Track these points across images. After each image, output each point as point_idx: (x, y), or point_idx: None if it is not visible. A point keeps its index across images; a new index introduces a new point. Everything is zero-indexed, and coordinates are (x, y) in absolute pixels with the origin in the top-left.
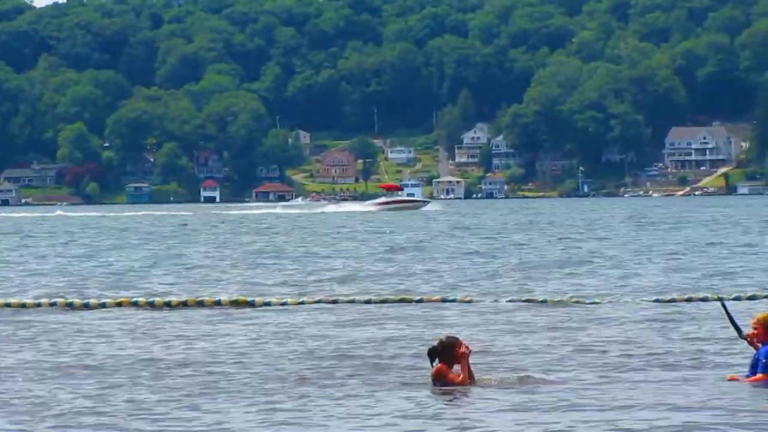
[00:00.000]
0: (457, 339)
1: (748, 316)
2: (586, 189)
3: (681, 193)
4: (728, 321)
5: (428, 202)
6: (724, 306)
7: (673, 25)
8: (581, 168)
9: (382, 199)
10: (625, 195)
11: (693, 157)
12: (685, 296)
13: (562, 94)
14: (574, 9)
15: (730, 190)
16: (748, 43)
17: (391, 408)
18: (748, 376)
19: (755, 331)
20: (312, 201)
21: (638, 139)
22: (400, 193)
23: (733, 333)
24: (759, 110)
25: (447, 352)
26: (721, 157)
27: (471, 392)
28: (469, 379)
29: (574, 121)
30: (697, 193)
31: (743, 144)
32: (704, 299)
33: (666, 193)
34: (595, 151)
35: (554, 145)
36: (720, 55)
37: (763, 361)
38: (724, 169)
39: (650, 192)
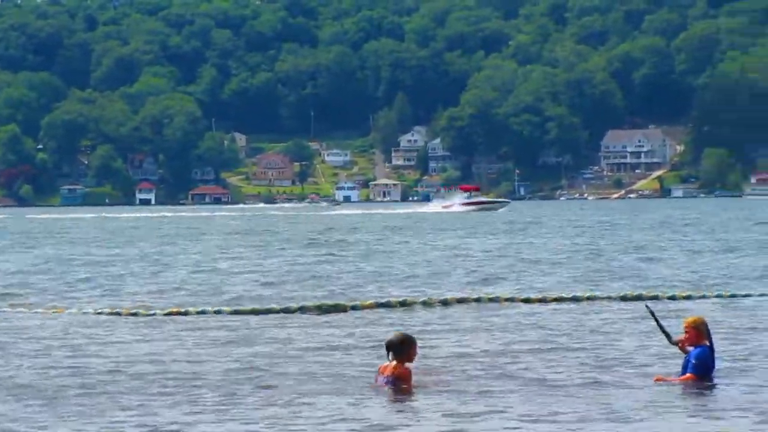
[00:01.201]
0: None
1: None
2: (522, 192)
3: (616, 195)
4: (657, 327)
5: (508, 202)
6: (651, 313)
7: (609, 28)
8: (517, 171)
9: (465, 200)
10: (561, 198)
11: (629, 160)
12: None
13: (499, 97)
14: (510, 12)
15: (664, 192)
16: (684, 47)
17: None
18: (678, 376)
19: (687, 335)
20: (312, 203)
21: (574, 142)
22: (476, 193)
23: (664, 340)
24: (694, 113)
25: (405, 348)
26: (656, 160)
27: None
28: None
29: (510, 124)
30: (632, 196)
31: (678, 147)
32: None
33: (601, 196)
34: (532, 154)
35: (490, 148)
36: (656, 58)
37: (693, 362)
38: (659, 172)
39: (586, 195)
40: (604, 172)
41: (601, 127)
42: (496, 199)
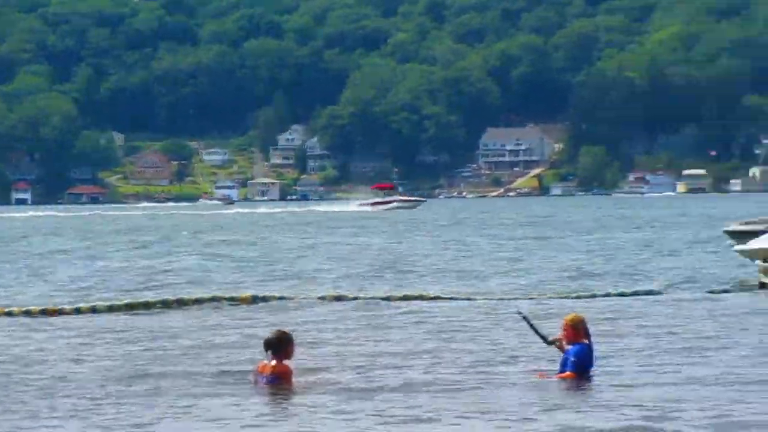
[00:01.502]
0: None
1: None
2: (400, 190)
3: (494, 194)
4: (532, 332)
5: (424, 201)
6: (524, 318)
7: (487, 26)
8: (395, 169)
9: (377, 199)
10: (440, 196)
11: (507, 158)
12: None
13: (377, 95)
14: (389, 10)
15: (543, 190)
16: (562, 44)
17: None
18: (556, 375)
19: (565, 333)
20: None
21: (452, 140)
22: (391, 191)
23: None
24: (572, 111)
25: (283, 346)
26: (534, 158)
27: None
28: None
29: (389, 122)
30: (510, 194)
31: (557, 145)
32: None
33: (480, 195)
34: (410, 153)
35: (369, 147)
36: (534, 57)
37: (572, 359)
38: (537, 170)
39: (464, 193)
40: (483, 171)
41: (479, 126)
42: (413, 198)
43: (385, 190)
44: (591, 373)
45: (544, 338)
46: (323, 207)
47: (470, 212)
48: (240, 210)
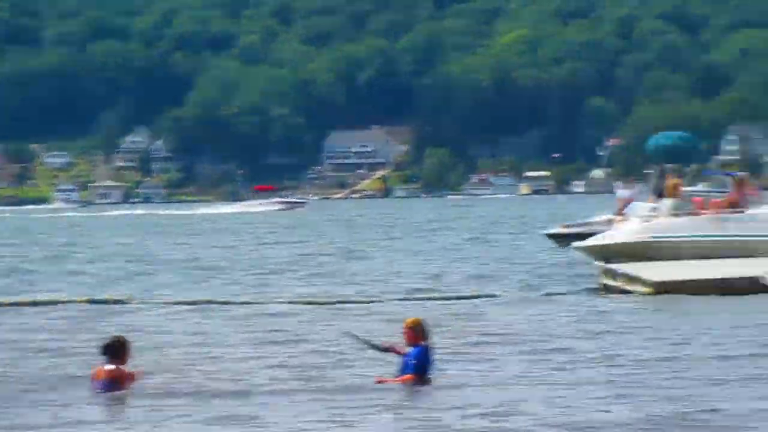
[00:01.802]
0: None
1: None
2: (246, 193)
3: (338, 196)
4: (367, 346)
5: (307, 202)
6: (353, 336)
7: (335, 28)
8: (240, 171)
9: (274, 199)
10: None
11: (352, 161)
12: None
13: (224, 97)
14: (236, 12)
15: (387, 192)
16: (409, 48)
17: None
18: (397, 377)
19: (405, 335)
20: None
21: (299, 142)
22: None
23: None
24: (416, 114)
25: (120, 351)
26: (379, 160)
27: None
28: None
29: (235, 124)
30: (355, 196)
31: (401, 147)
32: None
33: (324, 197)
34: (255, 155)
35: (214, 149)
36: (381, 59)
37: (412, 362)
38: (382, 172)
39: (309, 195)
40: (328, 173)
41: (324, 128)
42: (296, 199)
43: (267, 191)
44: (430, 376)
45: (376, 347)
46: (210, 209)
47: (355, 214)
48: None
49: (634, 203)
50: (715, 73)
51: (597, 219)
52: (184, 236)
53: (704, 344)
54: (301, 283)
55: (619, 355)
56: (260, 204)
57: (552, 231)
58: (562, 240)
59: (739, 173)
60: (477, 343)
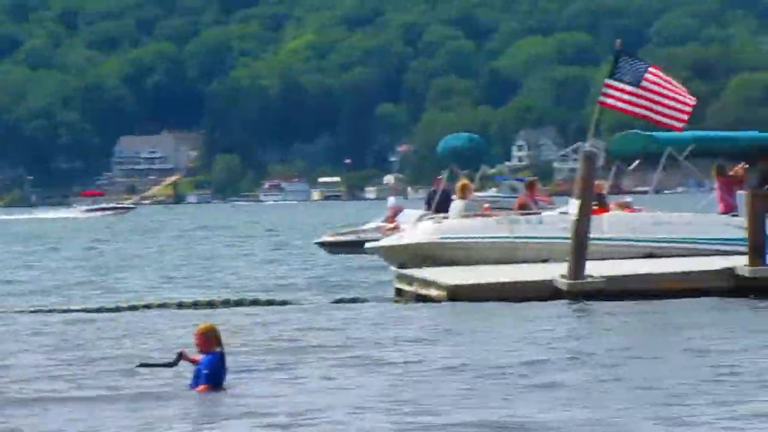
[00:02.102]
0: None
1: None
2: (34, 198)
3: (129, 201)
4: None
5: (134, 207)
6: (144, 365)
7: (121, 33)
8: (29, 177)
9: (87, 206)
10: (74, 205)
11: (142, 166)
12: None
13: (10, 102)
14: (21, 16)
15: (179, 198)
16: (196, 53)
17: None
18: (191, 387)
19: (196, 343)
20: None
21: (88, 147)
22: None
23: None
24: (206, 120)
25: None
26: (170, 166)
27: None
28: None
29: (23, 129)
30: (145, 201)
31: (192, 153)
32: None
33: (116, 203)
34: (44, 160)
35: (1, 154)
36: (168, 64)
37: (205, 371)
38: (173, 178)
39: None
40: (118, 178)
41: (113, 133)
42: (122, 205)
43: (95, 197)
44: (225, 384)
45: (168, 364)
46: (42, 214)
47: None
48: None
49: (404, 211)
50: (502, 79)
51: (366, 227)
52: None
53: (498, 351)
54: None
55: (414, 362)
56: (87, 210)
57: (322, 239)
58: (333, 248)
59: (528, 178)
60: (272, 350)
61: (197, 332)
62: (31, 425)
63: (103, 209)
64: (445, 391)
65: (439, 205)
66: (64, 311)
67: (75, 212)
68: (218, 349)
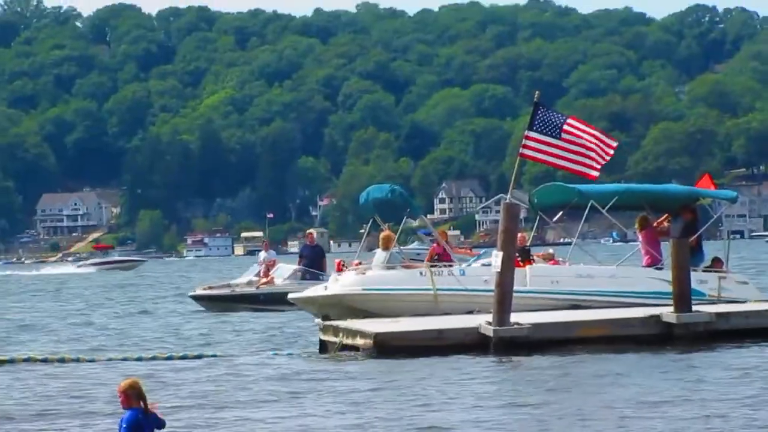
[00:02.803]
0: None
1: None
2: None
3: (53, 259)
4: None
5: (143, 261)
6: None
7: (40, 91)
8: None
9: (96, 260)
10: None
11: (65, 223)
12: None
13: None
14: None
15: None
16: (115, 109)
17: None
18: None
19: (120, 400)
20: None
21: (9, 206)
22: (111, 251)
23: None
24: (127, 175)
25: None
26: (92, 222)
27: None
28: None
29: None
30: (69, 258)
31: (114, 209)
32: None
33: (39, 260)
34: None
35: None
36: (88, 121)
37: (124, 426)
38: (96, 234)
39: (23, 259)
40: (41, 236)
41: (35, 191)
42: (129, 258)
43: (105, 250)
44: None
45: None
46: (49, 269)
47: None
48: None
49: (279, 265)
50: (422, 131)
51: (238, 281)
52: None
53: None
54: None
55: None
56: (92, 264)
57: (196, 292)
58: (206, 302)
59: (440, 230)
60: (196, 406)
61: (119, 389)
62: None
63: (109, 263)
64: None
65: (311, 260)
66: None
67: (70, 267)
68: (140, 405)
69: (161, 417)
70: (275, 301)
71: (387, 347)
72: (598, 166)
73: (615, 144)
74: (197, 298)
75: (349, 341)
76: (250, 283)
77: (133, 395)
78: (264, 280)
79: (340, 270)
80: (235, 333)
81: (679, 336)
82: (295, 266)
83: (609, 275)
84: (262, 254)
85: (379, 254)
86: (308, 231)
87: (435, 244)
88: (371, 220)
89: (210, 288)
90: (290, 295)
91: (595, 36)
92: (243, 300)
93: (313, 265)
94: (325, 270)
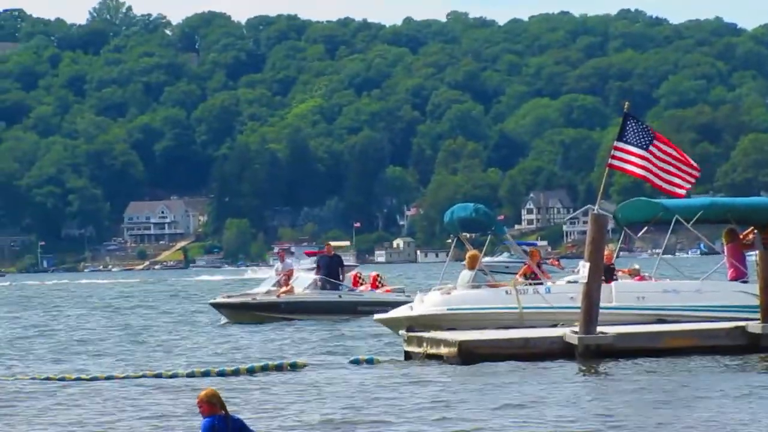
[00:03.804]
0: None
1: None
2: (46, 264)
3: (140, 267)
4: None
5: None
6: None
7: (129, 99)
8: (41, 243)
9: None
10: (85, 269)
11: (152, 231)
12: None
13: (20, 168)
14: (30, 84)
15: (189, 263)
16: (204, 118)
17: None
18: None
19: (200, 409)
20: None
21: (97, 213)
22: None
23: None
24: (215, 184)
25: None
26: (179, 230)
27: None
28: None
29: (33, 195)
30: (156, 267)
31: (201, 217)
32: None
33: (126, 267)
34: (55, 226)
35: (13, 221)
36: (177, 130)
37: None
38: (182, 243)
39: (110, 266)
40: (128, 244)
41: (123, 199)
42: None
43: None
44: None
45: None
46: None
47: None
48: None
49: (299, 275)
50: (510, 141)
51: (257, 290)
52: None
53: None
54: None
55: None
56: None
57: (216, 301)
58: (226, 309)
59: (531, 244)
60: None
61: (200, 399)
62: None
63: None
64: None
65: (329, 270)
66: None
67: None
68: (222, 412)
69: (244, 423)
70: (296, 310)
71: (472, 355)
72: (687, 186)
73: (698, 172)
74: (218, 306)
75: (433, 351)
76: (268, 293)
77: (216, 403)
78: (284, 289)
79: (356, 283)
80: (295, 343)
81: (765, 347)
82: (314, 276)
83: (694, 290)
84: (279, 264)
85: (464, 274)
86: (326, 242)
87: (527, 265)
88: (456, 238)
89: (229, 296)
90: (375, 316)
91: (685, 46)
92: (264, 309)
93: (331, 274)
94: (343, 280)
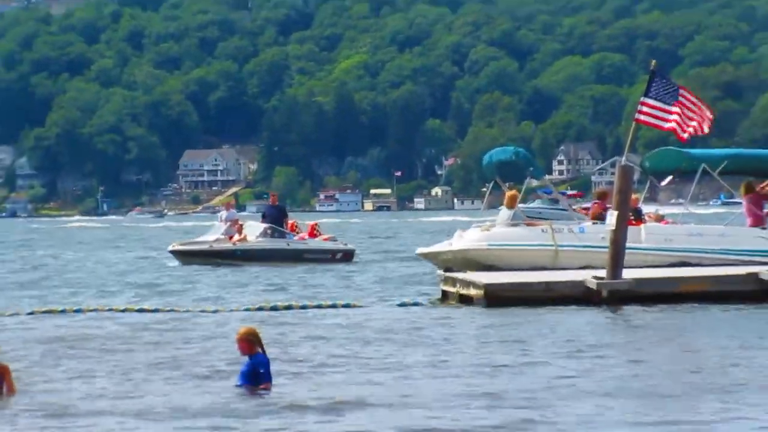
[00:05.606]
0: None
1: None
2: (105, 207)
3: (193, 211)
4: None
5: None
6: None
7: (185, 53)
8: (101, 188)
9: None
10: (143, 213)
11: (205, 178)
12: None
13: (83, 117)
14: (92, 37)
15: (240, 208)
16: (256, 71)
17: None
18: (240, 386)
19: (239, 347)
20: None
21: (154, 160)
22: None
23: None
24: (265, 133)
25: None
26: (231, 177)
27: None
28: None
29: (94, 143)
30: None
31: (251, 165)
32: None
33: (181, 212)
34: (114, 172)
35: (75, 167)
36: (230, 82)
37: (261, 371)
38: (234, 189)
39: (165, 210)
40: (183, 189)
41: (179, 147)
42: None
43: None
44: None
45: None
46: None
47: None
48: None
49: (249, 223)
50: (543, 97)
51: (204, 238)
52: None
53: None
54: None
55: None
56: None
57: (174, 248)
58: (183, 256)
59: (562, 194)
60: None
61: (239, 336)
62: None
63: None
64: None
65: (275, 219)
66: (122, 311)
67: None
68: (260, 350)
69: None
70: (251, 257)
71: (497, 298)
72: (691, 131)
73: (711, 117)
74: (175, 253)
75: (464, 292)
76: (217, 241)
77: (255, 341)
78: (239, 237)
79: (293, 230)
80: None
81: None
82: (264, 225)
83: (718, 234)
84: (224, 213)
85: (504, 212)
86: (272, 192)
87: (596, 204)
88: (493, 181)
89: (185, 244)
90: (418, 250)
91: (709, 8)
92: (221, 256)
93: (276, 223)
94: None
